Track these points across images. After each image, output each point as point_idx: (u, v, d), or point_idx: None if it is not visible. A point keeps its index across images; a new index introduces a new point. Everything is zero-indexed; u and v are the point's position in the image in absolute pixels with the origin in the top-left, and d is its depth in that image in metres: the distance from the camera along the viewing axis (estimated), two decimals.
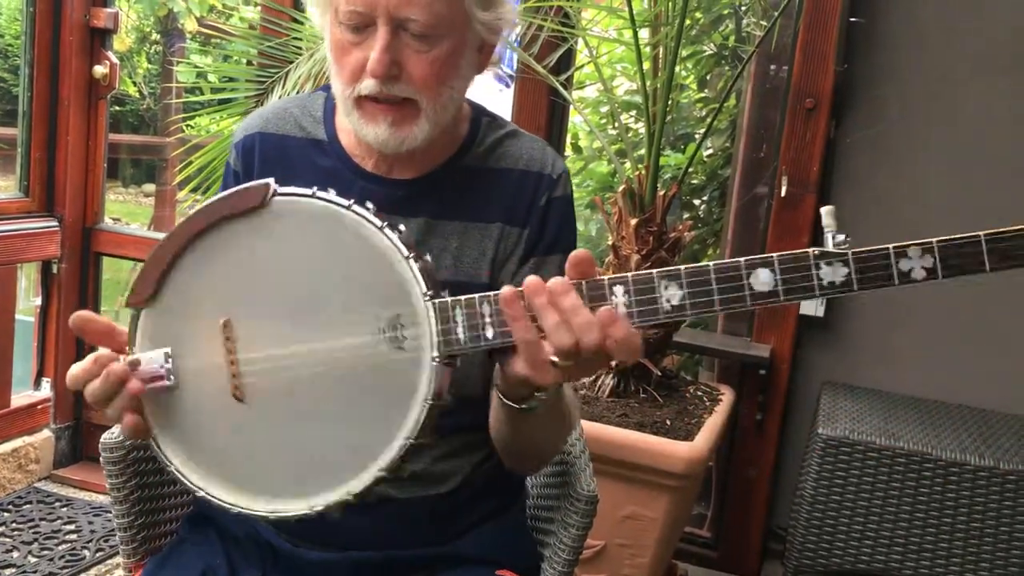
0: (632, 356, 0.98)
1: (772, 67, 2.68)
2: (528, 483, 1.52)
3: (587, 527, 1.31)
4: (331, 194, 1.04)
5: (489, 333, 0.99)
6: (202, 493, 1.06)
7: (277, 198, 1.05)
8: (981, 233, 0.92)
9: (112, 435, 1.31)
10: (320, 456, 1.03)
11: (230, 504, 1.05)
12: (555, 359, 0.98)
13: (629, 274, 0.98)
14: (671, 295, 0.96)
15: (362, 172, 1.29)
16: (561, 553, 1.31)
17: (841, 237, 0.97)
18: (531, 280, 0.98)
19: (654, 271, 0.97)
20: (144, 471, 1.36)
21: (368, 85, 1.17)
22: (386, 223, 1.01)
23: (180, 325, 1.06)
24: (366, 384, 1.01)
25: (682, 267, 0.96)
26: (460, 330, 0.99)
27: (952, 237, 0.94)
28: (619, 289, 0.97)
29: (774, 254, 0.95)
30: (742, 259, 0.95)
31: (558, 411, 1.19)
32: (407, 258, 1.00)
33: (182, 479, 1.06)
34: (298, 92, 2.54)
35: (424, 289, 1.00)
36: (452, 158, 1.31)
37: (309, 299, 1.03)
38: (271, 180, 1.06)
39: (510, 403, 1.10)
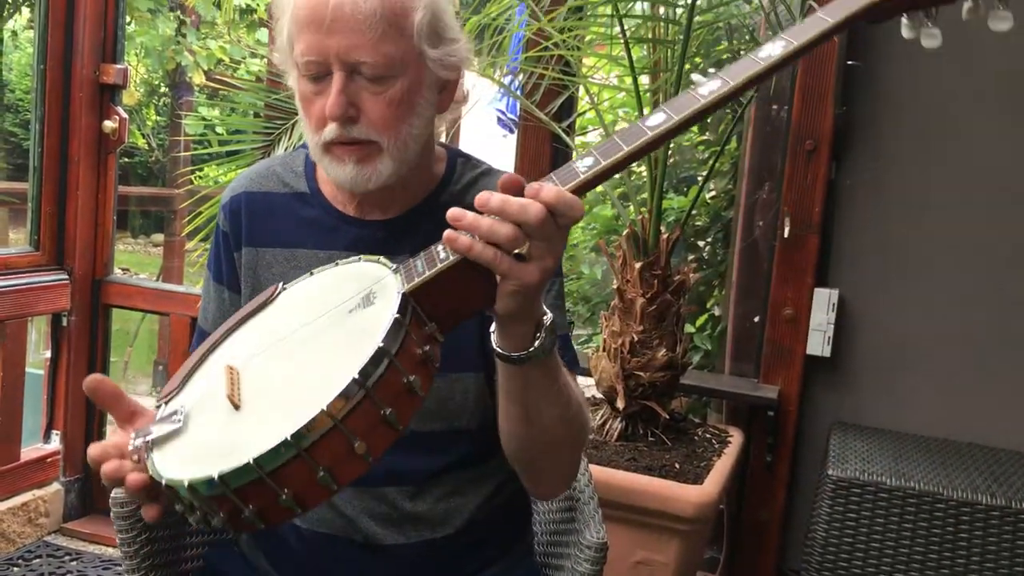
0: (573, 211, 1.01)
1: (773, 108, 2.71)
2: (536, 528, 1.52)
3: (597, 574, 1.31)
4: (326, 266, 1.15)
5: (443, 255, 1.03)
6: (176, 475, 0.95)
7: (285, 291, 1.17)
8: None
9: (122, 491, 1.32)
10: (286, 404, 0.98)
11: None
12: (518, 252, 1.01)
13: (551, 172, 1.04)
14: (585, 162, 1.03)
15: (344, 217, 1.34)
16: None
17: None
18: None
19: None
20: (154, 527, 1.36)
21: (330, 130, 1.22)
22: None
23: (194, 391, 1.09)
24: (341, 341, 1.03)
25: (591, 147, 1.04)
26: (419, 264, 1.04)
27: None
28: (544, 182, 1.03)
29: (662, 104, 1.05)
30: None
31: (556, 377, 1.16)
32: (389, 268, 1.08)
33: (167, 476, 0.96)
34: (303, 143, 2.58)
35: (392, 266, 1.07)
36: (429, 197, 1.35)
37: (303, 320, 1.09)
38: (280, 283, 1.18)
39: (510, 355, 1.10)
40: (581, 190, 1.03)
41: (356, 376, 0.92)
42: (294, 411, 0.91)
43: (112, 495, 1.32)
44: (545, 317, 1.09)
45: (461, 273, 1.02)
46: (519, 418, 1.18)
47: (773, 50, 1.02)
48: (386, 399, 0.94)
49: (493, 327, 1.10)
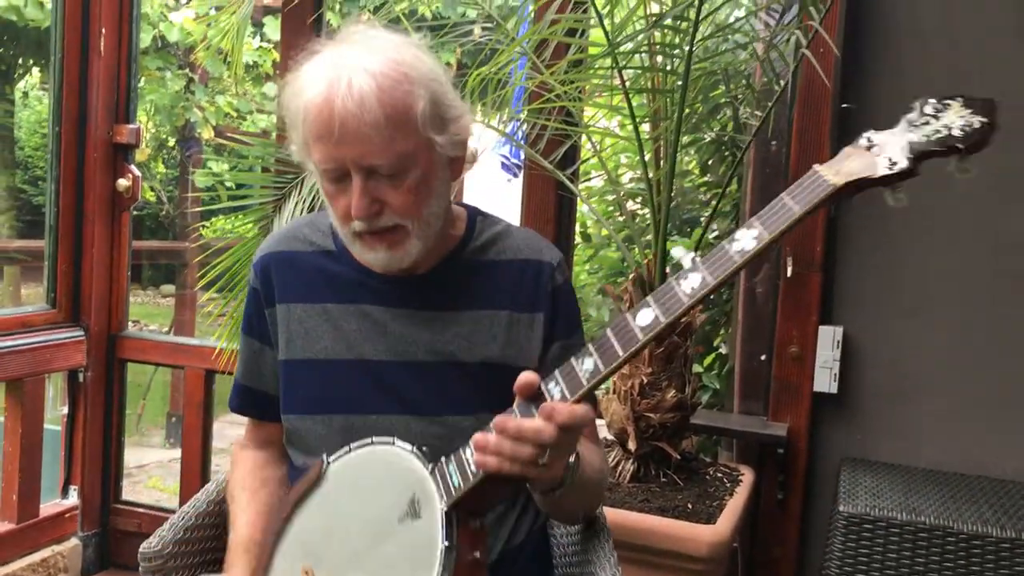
0: (584, 422, 1.15)
1: (772, 147, 2.77)
2: (556, 572, 1.55)
3: None
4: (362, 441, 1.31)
5: (473, 468, 1.19)
6: None
7: (331, 468, 1.33)
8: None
9: (150, 545, 1.36)
10: None
11: None
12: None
13: (556, 371, 1.18)
14: (586, 365, 1.15)
15: (370, 273, 1.41)
16: None
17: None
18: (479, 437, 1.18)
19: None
20: None
21: (358, 224, 1.31)
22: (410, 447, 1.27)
23: None
24: (400, 556, 1.22)
25: (589, 343, 1.16)
26: (454, 476, 1.21)
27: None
28: (551, 384, 1.17)
29: (648, 296, 1.14)
30: (625, 314, 1.14)
31: (584, 480, 1.31)
32: (426, 464, 1.25)
33: None
34: (313, 197, 2.64)
35: (427, 465, 1.24)
36: (451, 255, 1.42)
37: (357, 522, 1.29)
38: (324, 458, 1.33)
39: (546, 492, 1.26)
40: (585, 395, 1.15)
41: None
42: None
43: (141, 550, 1.36)
44: (570, 460, 1.24)
45: (492, 479, 1.19)
46: (554, 511, 1.40)
47: (746, 244, 1.10)
48: None
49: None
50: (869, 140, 1.09)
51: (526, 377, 1.16)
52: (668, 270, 2.39)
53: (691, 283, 1.09)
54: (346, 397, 1.41)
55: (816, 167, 1.09)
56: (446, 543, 1.16)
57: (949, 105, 1.08)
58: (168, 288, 9.69)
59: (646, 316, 1.11)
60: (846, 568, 2.18)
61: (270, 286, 1.46)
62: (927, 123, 1.08)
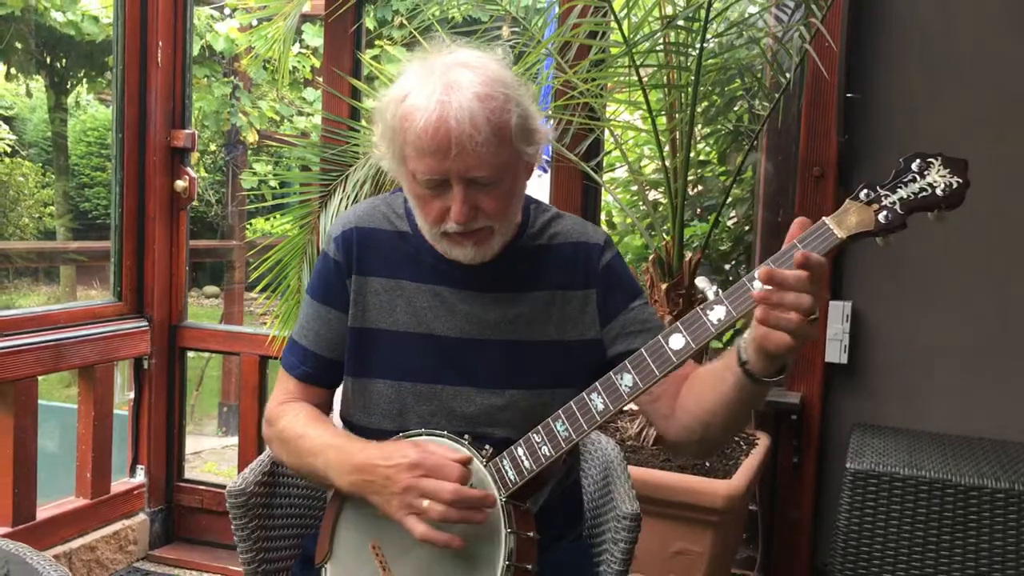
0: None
1: (783, 139, 2.95)
2: (585, 507, 1.76)
3: (633, 541, 1.54)
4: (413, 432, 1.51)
5: (527, 464, 1.41)
6: None
7: None
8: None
9: (235, 484, 1.59)
10: None
11: None
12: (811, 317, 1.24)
13: (597, 382, 1.39)
14: (625, 381, 1.37)
15: (441, 258, 1.55)
16: (613, 565, 1.55)
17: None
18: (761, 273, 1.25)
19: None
20: (262, 515, 1.63)
21: (452, 226, 1.46)
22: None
23: (350, 562, 1.52)
24: (466, 556, 1.41)
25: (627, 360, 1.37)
26: (509, 471, 1.42)
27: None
28: (593, 395, 1.39)
29: (679, 322, 1.34)
30: (659, 336, 1.35)
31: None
32: (479, 456, 1.44)
33: None
34: (356, 193, 2.85)
35: (482, 460, 1.43)
36: (513, 240, 1.57)
37: None
38: None
39: (766, 379, 1.33)
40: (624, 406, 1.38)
41: None
42: None
43: (228, 489, 1.59)
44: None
45: (542, 473, 1.41)
46: (738, 417, 1.44)
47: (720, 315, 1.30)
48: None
49: (744, 354, 1.33)
50: (867, 195, 1.27)
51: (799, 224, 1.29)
52: (686, 251, 2.59)
53: (717, 315, 1.29)
54: (415, 367, 1.56)
55: (824, 220, 1.28)
56: (509, 529, 1.37)
57: (931, 164, 1.26)
58: (212, 289, 10.00)
59: (677, 341, 1.32)
60: (854, 520, 2.37)
61: (351, 258, 1.59)
62: (913, 180, 1.26)
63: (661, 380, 1.33)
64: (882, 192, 1.27)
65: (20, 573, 1.18)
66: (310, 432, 1.54)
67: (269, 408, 1.64)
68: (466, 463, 1.38)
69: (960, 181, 1.25)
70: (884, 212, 1.26)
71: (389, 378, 1.56)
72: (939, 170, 1.26)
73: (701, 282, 1.42)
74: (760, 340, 1.26)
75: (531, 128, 1.47)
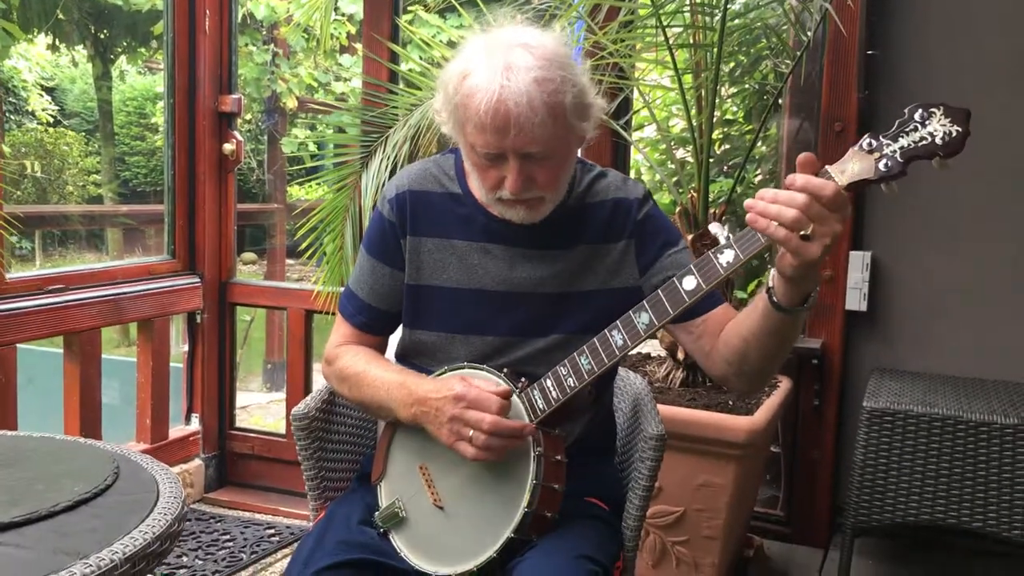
0: (843, 204, 1.30)
1: (806, 96, 3.06)
2: (617, 439, 1.90)
3: (658, 460, 1.68)
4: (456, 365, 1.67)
5: (554, 394, 1.54)
6: (423, 568, 1.59)
7: None
8: None
9: (299, 409, 1.76)
10: (476, 532, 1.57)
11: (433, 571, 1.58)
12: (802, 233, 1.28)
13: (618, 320, 1.52)
14: (642, 318, 1.50)
15: (492, 217, 1.67)
16: (640, 481, 1.70)
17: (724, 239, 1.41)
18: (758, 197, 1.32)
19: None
20: (322, 437, 1.80)
21: (507, 194, 1.57)
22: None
23: (401, 480, 1.68)
24: (500, 475, 1.56)
25: (644, 300, 1.50)
26: (540, 402, 1.56)
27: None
28: (614, 332, 1.52)
29: (691, 264, 1.45)
30: (673, 278, 1.47)
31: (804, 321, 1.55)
32: (513, 387, 1.58)
33: (411, 561, 1.60)
34: (395, 153, 2.99)
35: (516, 390, 1.57)
36: (562, 200, 1.67)
37: None
38: None
39: (789, 308, 1.39)
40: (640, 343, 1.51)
41: (524, 508, 1.51)
42: (495, 524, 1.54)
43: (292, 413, 1.76)
44: (816, 287, 1.40)
45: (570, 399, 1.54)
46: (770, 347, 1.50)
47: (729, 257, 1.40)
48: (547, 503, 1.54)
49: (771, 282, 1.40)
50: (870, 144, 1.32)
51: (806, 156, 1.32)
52: (711, 205, 2.72)
53: (726, 257, 1.39)
54: (468, 320, 1.67)
55: (827, 167, 1.32)
56: (538, 450, 1.50)
57: (933, 113, 1.30)
58: (249, 256, 10.22)
59: (690, 283, 1.43)
60: (869, 456, 2.50)
61: (404, 219, 1.69)
62: (915, 129, 1.29)
63: (674, 317, 1.45)
64: (884, 141, 1.31)
65: (127, 468, 1.35)
66: (372, 371, 1.69)
67: (328, 349, 1.78)
68: (506, 396, 1.52)
69: (960, 130, 1.26)
70: (884, 160, 1.29)
71: (443, 330, 1.70)
72: (940, 119, 1.29)
73: (714, 228, 1.50)
74: (776, 263, 1.36)
75: (586, 104, 1.57)
